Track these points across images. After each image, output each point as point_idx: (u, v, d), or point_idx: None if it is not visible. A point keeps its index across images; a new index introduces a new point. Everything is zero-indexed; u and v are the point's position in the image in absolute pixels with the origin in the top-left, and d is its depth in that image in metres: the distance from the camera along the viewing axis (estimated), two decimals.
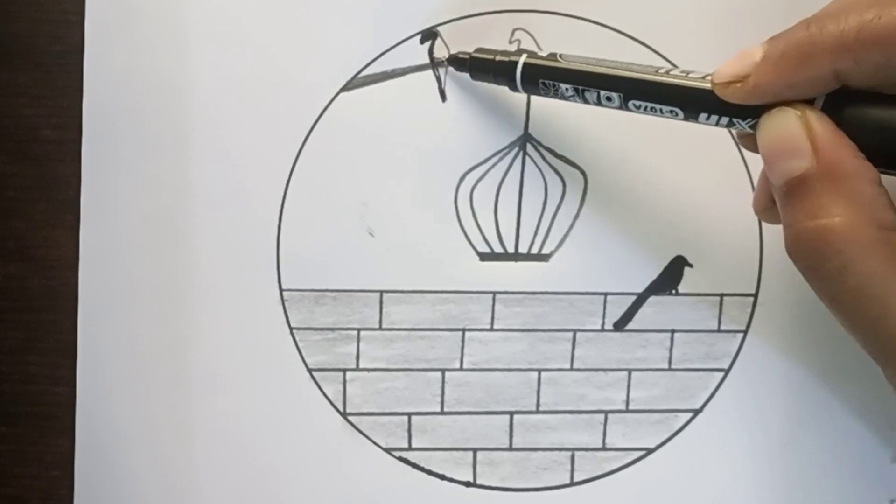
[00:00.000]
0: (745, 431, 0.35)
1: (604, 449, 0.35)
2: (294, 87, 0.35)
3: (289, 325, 0.35)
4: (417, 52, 0.35)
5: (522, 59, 0.31)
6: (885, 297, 0.22)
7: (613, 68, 0.28)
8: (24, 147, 0.35)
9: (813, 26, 0.23)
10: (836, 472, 0.35)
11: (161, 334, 0.35)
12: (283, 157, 0.35)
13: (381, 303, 0.35)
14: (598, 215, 0.35)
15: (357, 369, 0.35)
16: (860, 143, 0.23)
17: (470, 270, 0.35)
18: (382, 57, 0.35)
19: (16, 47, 0.35)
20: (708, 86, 0.25)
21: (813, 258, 0.23)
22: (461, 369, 0.35)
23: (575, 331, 0.35)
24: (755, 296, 0.35)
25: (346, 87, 0.35)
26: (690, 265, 0.35)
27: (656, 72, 0.27)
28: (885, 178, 0.23)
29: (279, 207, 0.35)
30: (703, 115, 0.26)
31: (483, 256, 0.35)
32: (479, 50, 0.33)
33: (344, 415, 0.35)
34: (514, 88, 0.32)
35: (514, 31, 0.34)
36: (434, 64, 0.35)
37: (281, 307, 0.35)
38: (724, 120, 0.26)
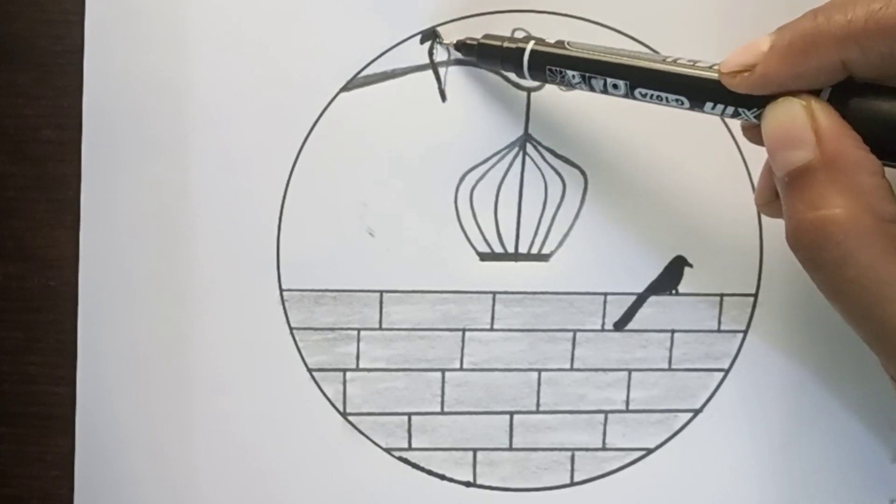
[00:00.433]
0: (745, 431, 0.35)
1: (604, 449, 0.35)
2: (294, 87, 0.35)
3: (289, 325, 0.35)
4: (417, 52, 0.35)
5: (530, 45, 0.31)
6: (883, 287, 0.22)
7: (621, 56, 0.28)
8: (24, 147, 0.35)
9: (820, 16, 0.23)
10: (836, 472, 0.35)
11: (161, 334, 0.35)
12: (283, 158, 0.35)
13: (381, 303, 0.35)
14: (598, 215, 0.35)
15: (357, 369, 0.35)
16: (865, 135, 0.23)
17: (470, 270, 0.35)
18: (382, 57, 0.35)
19: (16, 47, 0.35)
20: (714, 75, 0.25)
21: (813, 249, 0.23)
22: (461, 369, 0.35)
23: (575, 331, 0.35)
24: (755, 296, 0.35)
25: (346, 87, 0.35)
26: (690, 265, 0.35)
27: (663, 60, 0.27)
28: (889, 170, 0.23)
29: (279, 207, 0.35)
30: (708, 105, 0.26)
31: (483, 256, 0.35)
32: (486, 36, 0.33)
33: (344, 415, 0.35)
34: (520, 75, 0.32)
35: (514, 31, 0.34)
36: (434, 64, 0.35)
37: (281, 307, 0.35)
38: (730, 110, 0.26)
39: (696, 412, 0.35)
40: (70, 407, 0.35)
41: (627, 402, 0.35)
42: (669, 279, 0.35)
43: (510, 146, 0.35)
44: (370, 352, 0.35)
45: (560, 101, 0.34)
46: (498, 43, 0.32)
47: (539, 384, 0.35)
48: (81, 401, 0.35)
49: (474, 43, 0.33)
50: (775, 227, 0.33)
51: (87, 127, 0.35)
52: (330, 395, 0.35)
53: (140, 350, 0.35)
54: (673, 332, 0.35)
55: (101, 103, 0.35)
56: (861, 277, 0.22)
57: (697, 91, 0.26)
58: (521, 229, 0.35)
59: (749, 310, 0.35)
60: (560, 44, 0.30)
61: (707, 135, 0.34)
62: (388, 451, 0.35)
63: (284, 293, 0.35)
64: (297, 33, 0.35)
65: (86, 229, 0.35)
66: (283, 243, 0.35)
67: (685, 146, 0.34)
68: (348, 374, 0.35)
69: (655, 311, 0.35)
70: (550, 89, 0.34)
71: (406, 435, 0.35)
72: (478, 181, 0.35)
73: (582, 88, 0.30)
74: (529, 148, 0.35)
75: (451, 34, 0.34)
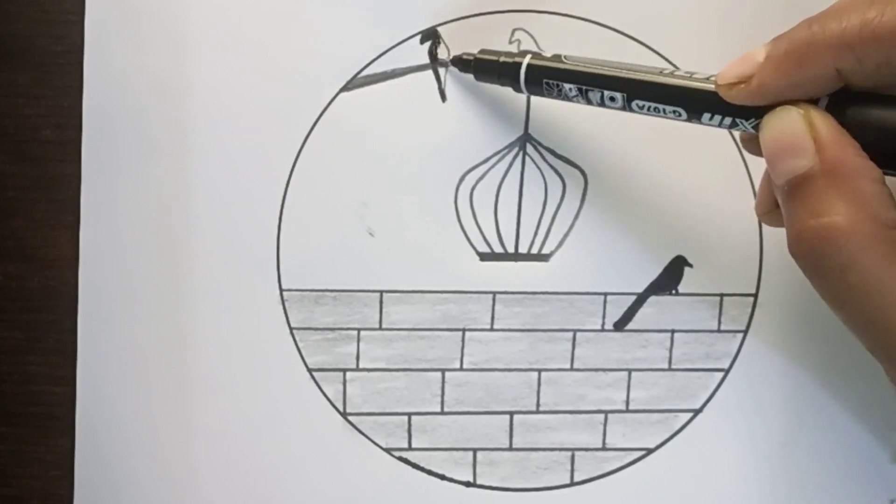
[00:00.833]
0: (745, 431, 0.35)
1: (604, 449, 0.35)
2: (294, 87, 0.35)
3: (289, 325, 0.35)
4: (417, 52, 0.35)
5: (526, 59, 0.31)
6: (886, 294, 0.22)
7: (617, 69, 0.28)
8: (24, 147, 0.35)
9: (815, 25, 0.23)
10: (836, 472, 0.35)
11: (161, 334, 0.35)
12: (283, 157, 0.35)
13: (381, 303, 0.35)
14: (598, 215, 0.35)
15: (357, 369, 0.35)
16: (863, 143, 0.23)
17: (470, 270, 0.35)
18: (382, 57, 0.35)
19: (16, 47, 0.35)
20: (711, 87, 0.25)
21: (815, 257, 0.23)
22: (461, 369, 0.35)
23: (575, 331, 0.35)
24: (755, 296, 0.35)
25: (346, 87, 0.35)
26: (690, 265, 0.35)
27: (660, 73, 0.27)
28: (889, 179, 0.23)
29: (279, 207, 0.35)
30: (706, 116, 0.26)
31: (483, 256, 0.35)
32: (482, 51, 0.33)
33: (344, 415, 0.35)
34: (517, 89, 0.32)
35: (514, 31, 0.34)
36: (434, 64, 0.35)
37: (281, 307, 0.35)
38: (728, 121, 0.26)
39: (696, 412, 0.35)
40: (70, 407, 0.35)
41: (627, 402, 0.35)
42: (669, 279, 0.35)
43: (510, 146, 0.35)
44: (370, 352, 0.35)
45: (560, 101, 0.34)
46: (494, 58, 0.32)
47: (539, 384, 0.35)
48: (81, 401, 0.35)
49: (471, 59, 0.33)
50: (776, 228, 0.33)
51: (87, 127, 0.35)
52: (330, 395, 0.35)
53: (140, 350, 0.35)
54: (673, 332, 0.35)
55: (101, 103, 0.35)
56: (864, 284, 0.22)
57: (695, 103, 0.26)
58: (521, 229, 0.35)
59: (749, 310, 0.35)
60: (556, 57, 0.30)
61: (707, 135, 0.34)
62: (388, 451, 0.35)
63: (284, 293, 0.35)
64: (297, 33, 0.35)
65: (86, 229, 0.35)
66: (283, 243, 0.35)
67: (685, 146, 0.34)
68: (348, 374, 0.35)
69: (655, 311, 0.35)
70: None
71: (406, 435, 0.35)
72: (478, 181, 0.35)
73: (579, 101, 0.30)
74: (529, 148, 0.35)
75: (451, 34, 0.34)
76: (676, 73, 0.27)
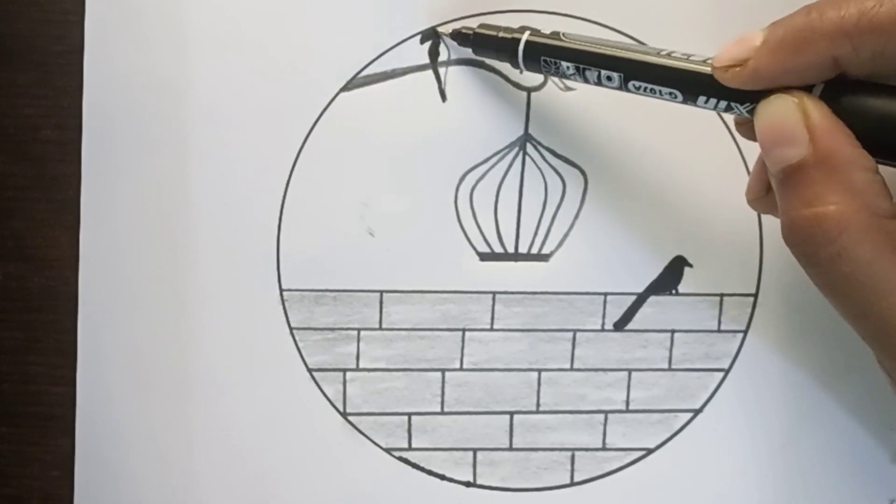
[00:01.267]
0: (745, 431, 0.35)
1: (604, 449, 0.35)
2: (294, 87, 0.35)
3: (289, 325, 0.35)
4: (417, 52, 0.35)
5: (525, 36, 0.31)
6: (879, 283, 0.22)
7: (615, 48, 0.28)
8: (24, 147, 0.35)
9: (813, 12, 0.23)
10: (836, 472, 0.35)
11: (161, 334, 0.35)
12: (283, 157, 0.35)
13: (381, 303, 0.35)
14: (598, 215, 0.35)
15: (357, 369, 0.35)
16: (857, 131, 0.23)
17: (470, 270, 0.35)
18: (382, 57, 0.35)
19: (16, 47, 0.35)
20: (708, 69, 0.26)
21: (808, 245, 0.23)
22: (461, 369, 0.35)
23: (575, 331, 0.35)
24: (755, 296, 0.35)
25: (346, 87, 0.35)
26: (690, 265, 0.35)
27: (657, 53, 0.27)
28: (882, 168, 0.23)
29: (279, 207, 0.35)
30: (701, 99, 0.26)
31: (483, 256, 0.35)
32: (482, 25, 0.33)
33: (344, 415, 0.35)
34: (515, 65, 0.32)
35: None
36: (434, 64, 0.35)
37: (281, 307, 0.35)
38: (723, 104, 0.26)
39: (696, 412, 0.35)
40: (70, 407, 0.35)
41: (627, 402, 0.35)
42: (669, 279, 0.35)
43: (510, 146, 0.35)
44: (370, 352, 0.35)
45: (560, 100, 0.34)
46: (493, 33, 0.32)
47: (539, 384, 0.35)
48: (81, 401, 0.35)
49: (470, 32, 0.33)
50: (775, 227, 0.33)
51: (87, 127, 0.35)
52: (330, 395, 0.35)
53: (140, 350, 0.35)
54: (673, 332, 0.35)
55: (101, 103, 0.35)
56: (857, 273, 0.23)
57: (691, 85, 0.26)
58: (521, 229, 0.35)
59: (749, 310, 0.35)
60: (555, 35, 0.30)
61: (707, 135, 0.34)
62: (388, 451, 0.35)
63: (284, 293, 0.35)
64: (297, 33, 0.35)
65: (86, 229, 0.35)
66: (283, 243, 0.35)
67: (685, 146, 0.34)
68: (348, 374, 0.35)
69: (655, 311, 0.35)
70: (551, 89, 0.34)
71: (406, 435, 0.35)
72: (478, 181, 0.35)
73: (576, 80, 0.30)
74: (529, 148, 0.35)
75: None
76: (674, 54, 0.27)
